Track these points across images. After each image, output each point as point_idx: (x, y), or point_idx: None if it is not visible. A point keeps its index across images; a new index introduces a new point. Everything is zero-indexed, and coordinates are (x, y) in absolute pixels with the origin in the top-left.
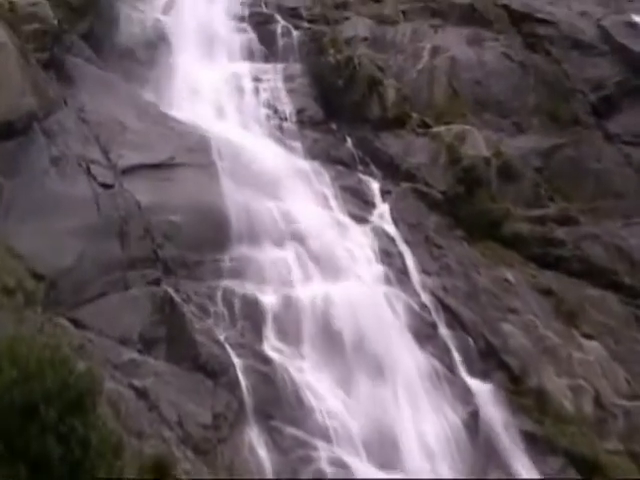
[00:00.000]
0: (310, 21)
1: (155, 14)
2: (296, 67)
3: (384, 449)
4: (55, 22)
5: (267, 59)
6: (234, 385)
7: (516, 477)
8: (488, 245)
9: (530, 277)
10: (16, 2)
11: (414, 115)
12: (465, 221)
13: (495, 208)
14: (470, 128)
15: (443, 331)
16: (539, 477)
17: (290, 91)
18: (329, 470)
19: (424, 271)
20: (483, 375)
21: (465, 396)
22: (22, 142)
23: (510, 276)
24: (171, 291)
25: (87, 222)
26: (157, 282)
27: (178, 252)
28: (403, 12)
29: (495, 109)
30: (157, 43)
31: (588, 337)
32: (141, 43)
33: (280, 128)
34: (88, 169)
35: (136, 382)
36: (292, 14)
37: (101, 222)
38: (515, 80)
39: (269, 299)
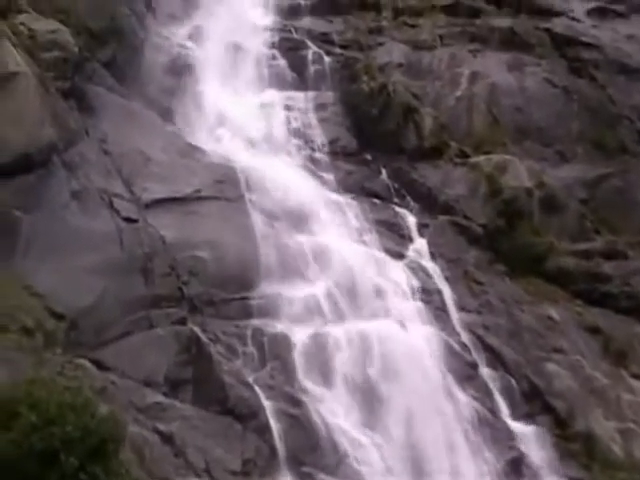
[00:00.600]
0: (342, 47)
1: (180, 41)
2: (328, 95)
3: None
4: (76, 49)
5: (298, 87)
6: (264, 429)
7: None
8: (531, 281)
9: (576, 314)
10: (36, 29)
11: (452, 144)
12: (506, 255)
13: (538, 242)
14: (511, 158)
15: (484, 371)
16: None
17: (322, 120)
18: None
19: (464, 308)
20: (527, 418)
21: (507, 440)
22: (42, 175)
23: (555, 313)
24: (197, 330)
25: (109, 258)
26: (183, 321)
27: (205, 289)
28: (440, 37)
29: (537, 137)
30: (182, 71)
31: (638, 378)
32: (166, 71)
33: (312, 159)
34: (111, 203)
35: (161, 426)
36: (323, 40)
37: (124, 258)
38: (558, 106)
39: (300, 338)
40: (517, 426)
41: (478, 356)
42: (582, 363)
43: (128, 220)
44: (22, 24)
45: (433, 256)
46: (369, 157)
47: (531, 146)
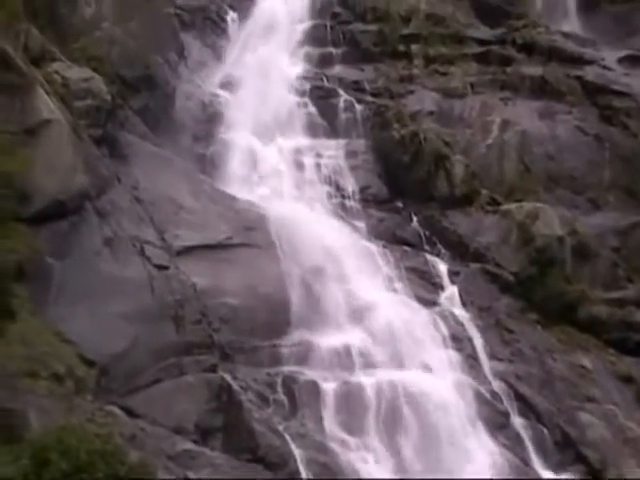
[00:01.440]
0: (374, 95)
1: (212, 89)
2: (359, 143)
3: None
4: (109, 97)
5: (329, 134)
6: (295, 478)
7: None
8: (563, 329)
9: (609, 363)
10: (69, 77)
11: (483, 192)
12: (538, 304)
13: (570, 290)
14: (543, 205)
15: (516, 421)
16: None
17: (353, 168)
18: None
19: (495, 357)
20: (559, 468)
21: None
22: (74, 222)
23: (587, 362)
24: (228, 378)
25: (141, 305)
26: (213, 368)
27: (235, 337)
28: (471, 85)
29: (569, 185)
30: (214, 118)
31: None
32: (198, 118)
33: (343, 206)
34: (142, 250)
35: (191, 474)
36: (355, 88)
37: (155, 305)
38: (590, 154)
39: (331, 386)
40: (549, 476)
41: (510, 405)
42: (615, 412)
43: (159, 267)
44: (56, 72)
45: (464, 304)
46: (400, 204)
47: (563, 194)
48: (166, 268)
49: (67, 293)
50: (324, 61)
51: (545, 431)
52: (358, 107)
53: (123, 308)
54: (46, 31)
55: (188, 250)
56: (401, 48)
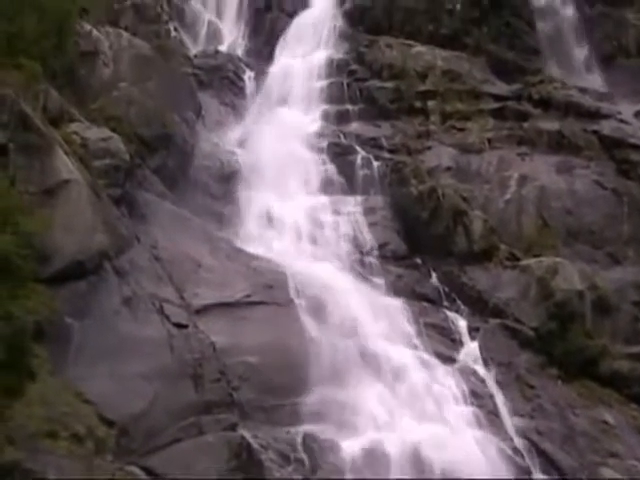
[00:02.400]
0: (391, 151)
1: (230, 147)
2: (377, 199)
3: None
4: (127, 157)
5: (347, 191)
6: None
7: None
8: (584, 384)
9: (631, 418)
10: (88, 137)
11: (502, 247)
12: (559, 359)
13: (591, 345)
14: (562, 260)
15: (538, 477)
16: None
17: (371, 224)
18: None
19: (516, 413)
20: None
21: None
22: (93, 282)
23: (609, 417)
24: (248, 437)
25: (160, 365)
26: (233, 427)
27: (255, 395)
28: (488, 140)
29: (588, 239)
30: (232, 177)
31: None
32: (215, 177)
33: (362, 263)
34: (161, 309)
35: None
36: (372, 144)
37: (174, 365)
38: (608, 209)
39: (352, 444)
40: None
41: (532, 461)
42: (639, 468)
43: (178, 326)
44: (74, 133)
45: (485, 360)
46: (419, 261)
47: (582, 248)
48: (185, 327)
49: (86, 353)
50: (341, 118)
51: None
52: (375, 164)
53: (142, 367)
54: (65, 92)
55: (207, 308)
56: (418, 104)
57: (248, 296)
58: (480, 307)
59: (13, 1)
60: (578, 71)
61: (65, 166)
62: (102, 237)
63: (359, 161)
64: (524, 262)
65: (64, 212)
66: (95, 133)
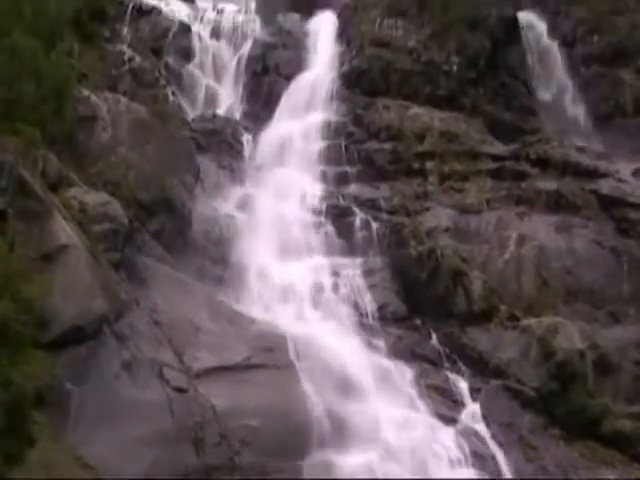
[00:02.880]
0: (389, 212)
1: (228, 210)
2: (376, 261)
3: None
4: (126, 221)
5: (346, 253)
6: None
7: None
8: (587, 444)
9: (635, 478)
10: (86, 202)
11: (502, 307)
12: (561, 419)
13: (593, 404)
14: (562, 320)
15: None
16: None
17: (371, 286)
18: None
19: (519, 474)
20: None
21: None
22: (92, 346)
23: (612, 477)
24: None
25: (160, 429)
26: None
27: (256, 459)
28: (487, 200)
29: (588, 299)
30: (231, 240)
31: None
32: (214, 240)
33: (361, 325)
34: (161, 373)
35: None
36: (370, 206)
37: (175, 429)
38: (608, 268)
39: None
40: None
41: None
42: None
43: (179, 390)
44: (73, 197)
45: (486, 421)
46: (419, 322)
47: (582, 308)
48: (185, 390)
49: (86, 417)
50: (340, 180)
51: None
52: (374, 225)
53: (142, 432)
54: (63, 157)
55: (207, 372)
56: (416, 165)
57: (248, 359)
58: (481, 368)
59: (11, 67)
60: (575, 130)
61: (64, 231)
62: (101, 302)
63: (358, 223)
64: (524, 322)
65: (63, 277)
66: (94, 198)
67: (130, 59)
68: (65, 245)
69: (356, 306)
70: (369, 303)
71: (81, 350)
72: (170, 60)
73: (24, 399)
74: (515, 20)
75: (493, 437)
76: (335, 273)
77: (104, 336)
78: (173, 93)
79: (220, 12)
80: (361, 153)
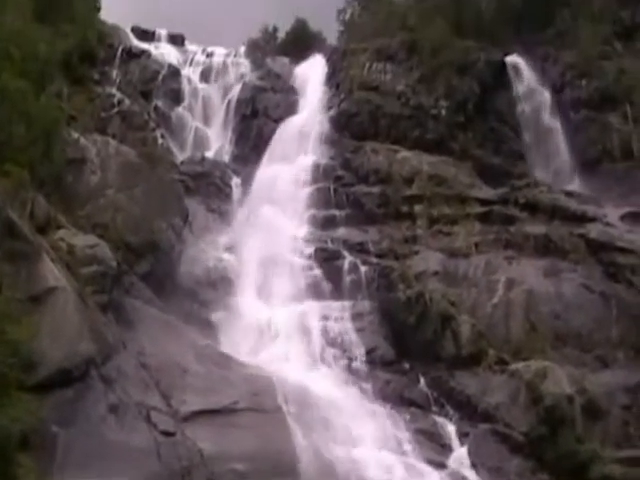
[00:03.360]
0: (378, 256)
1: (217, 253)
2: (365, 304)
3: None
4: (114, 264)
5: (334, 296)
6: None
7: None
8: None
9: None
10: (75, 244)
11: (490, 352)
12: (550, 464)
13: (582, 449)
14: (550, 364)
15: None
16: None
17: (359, 330)
18: None
19: None
20: None
21: None
22: (79, 389)
23: None
24: None
25: (148, 473)
26: None
27: None
28: (475, 244)
29: (576, 343)
30: (219, 283)
31: None
32: (203, 283)
33: (349, 369)
34: (148, 416)
35: None
36: (359, 249)
37: (162, 473)
38: (596, 312)
39: None
40: None
41: None
42: None
43: (166, 434)
44: (62, 240)
45: (474, 465)
46: (407, 366)
47: (571, 352)
48: (172, 434)
49: (72, 461)
50: (328, 223)
51: None
52: (363, 269)
53: (129, 475)
54: (52, 199)
55: (194, 415)
56: (404, 209)
57: (235, 403)
58: (469, 412)
59: (1, 109)
60: (564, 175)
61: (52, 273)
62: (89, 344)
63: (346, 266)
64: (513, 366)
65: (51, 319)
66: (82, 240)
67: (119, 102)
68: (53, 287)
69: (344, 350)
70: (357, 347)
71: (68, 393)
72: (159, 103)
73: (9, 442)
74: (503, 65)
75: None
76: (323, 316)
77: (91, 379)
78: (162, 136)
79: (210, 55)
80: (350, 196)
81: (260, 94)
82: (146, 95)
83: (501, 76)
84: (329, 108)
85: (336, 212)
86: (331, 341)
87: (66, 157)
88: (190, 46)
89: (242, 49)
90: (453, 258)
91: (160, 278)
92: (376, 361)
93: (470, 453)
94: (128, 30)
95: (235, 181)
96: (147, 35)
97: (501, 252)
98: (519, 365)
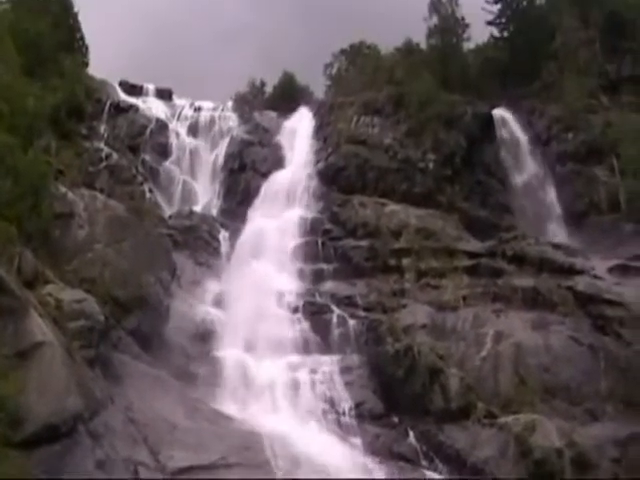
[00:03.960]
0: (366, 309)
1: (205, 307)
2: (353, 358)
3: None
4: (102, 318)
5: (322, 350)
6: None
7: None
8: None
9: None
10: (62, 299)
11: (479, 405)
12: None
13: None
14: (540, 417)
15: None
16: None
17: (348, 383)
18: None
19: None
20: None
21: None
22: (66, 445)
23: None
24: None
25: None
26: None
27: None
28: (463, 297)
29: (565, 396)
30: (207, 336)
31: None
32: (190, 337)
33: (338, 423)
34: (136, 472)
35: None
36: (347, 303)
37: None
38: (585, 365)
39: None
40: None
41: None
42: None
43: None
44: (49, 294)
45: None
46: (396, 420)
47: (559, 405)
48: None
49: None
50: (316, 277)
51: None
52: (351, 322)
53: None
54: (40, 253)
55: (183, 471)
56: (392, 262)
57: (224, 458)
58: (459, 466)
59: None
60: (551, 228)
61: (39, 328)
62: (76, 400)
63: (334, 320)
64: (502, 419)
65: (38, 374)
66: (70, 295)
67: (107, 156)
68: (40, 342)
69: (333, 404)
70: (346, 401)
71: (55, 448)
72: (147, 157)
73: None
74: (490, 118)
75: None
76: (312, 370)
77: (78, 434)
78: (150, 190)
79: (197, 109)
80: (338, 250)
81: (248, 148)
82: (134, 149)
83: (488, 129)
84: (317, 162)
85: (324, 266)
86: (320, 395)
87: (54, 211)
88: (178, 100)
89: (230, 103)
90: (441, 311)
91: (148, 332)
92: (365, 415)
93: None
94: (116, 84)
95: (223, 235)
96: (135, 89)
97: (489, 305)
98: (508, 418)
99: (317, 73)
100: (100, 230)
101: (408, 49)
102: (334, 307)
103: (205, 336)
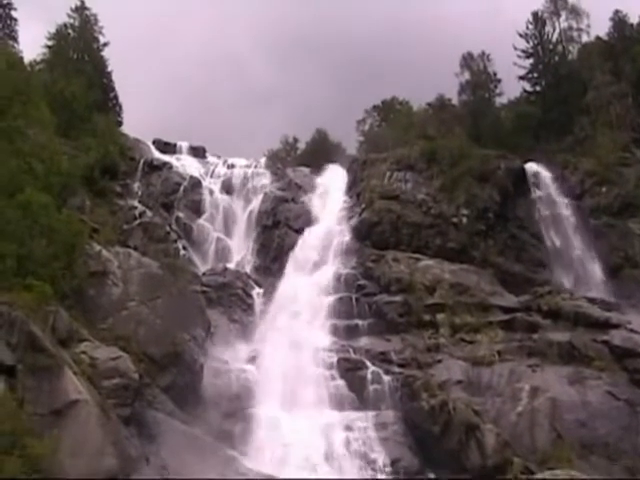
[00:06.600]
0: (401, 365)
1: (239, 364)
2: (388, 414)
3: None
4: (137, 376)
5: (357, 406)
6: None
7: None
8: None
9: None
10: (97, 357)
11: (516, 461)
12: None
13: None
14: (577, 474)
15: None
16: None
17: (383, 440)
18: None
19: None
20: None
21: None
22: None
23: None
24: None
25: None
26: None
27: None
28: (498, 352)
29: (603, 452)
30: (242, 394)
31: None
32: (225, 395)
33: None
34: None
35: None
36: (382, 359)
37: None
38: (623, 420)
39: None
40: None
41: None
42: None
43: None
44: (83, 352)
45: None
46: (432, 476)
47: (598, 461)
48: None
49: None
50: (350, 333)
51: None
52: (386, 378)
53: None
54: (74, 312)
55: None
56: (427, 318)
57: None
58: None
59: (23, 224)
60: (586, 282)
61: (74, 386)
62: (111, 460)
63: (369, 376)
64: (539, 476)
65: (73, 433)
66: (104, 353)
67: (141, 214)
68: (75, 400)
69: (368, 461)
70: (381, 457)
71: None
72: (181, 214)
73: None
74: (523, 172)
75: None
76: (347, 427)
77: None
78: (184, 247)
79: (230, 167)
80: (372, 306)
81: (281, 204)
82: (168, 207)
83: (521, 183)
84: (350, 218)
85: (358, 321)
86: (355, 452)
87: (88, 270)
88: (211, 157)
89: (263, 160)
90: (476, 366)
91: (182, 390)
92: (400, 471)
93: None
94: (150, 143)
95: (257, 291)
96: (169, 147)
97: (525, 360)
98: (545, 475)
99: (349, 129)
100: (134, 288)
101: (440, 104)
102: (369, 363)
103: (239, 393)
